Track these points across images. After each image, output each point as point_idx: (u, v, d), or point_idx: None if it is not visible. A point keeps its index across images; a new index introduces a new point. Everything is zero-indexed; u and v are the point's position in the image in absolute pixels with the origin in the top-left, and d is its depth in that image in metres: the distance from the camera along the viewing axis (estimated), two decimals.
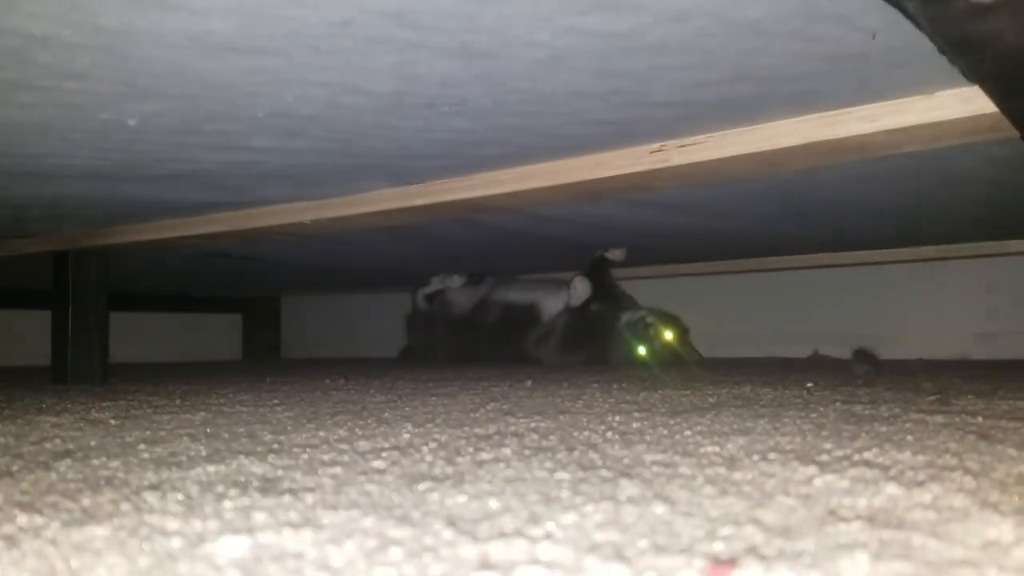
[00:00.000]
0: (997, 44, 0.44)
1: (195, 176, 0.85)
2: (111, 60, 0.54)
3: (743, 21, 0.53)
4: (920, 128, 0.70)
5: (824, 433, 0.49)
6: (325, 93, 0.61)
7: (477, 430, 0.55)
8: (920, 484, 0.34)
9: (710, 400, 0.73)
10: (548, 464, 0.41)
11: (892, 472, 0.37)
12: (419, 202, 0.94)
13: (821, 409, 0.63)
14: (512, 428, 0.56)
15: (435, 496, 0.35)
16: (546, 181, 0.86)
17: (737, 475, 0.38)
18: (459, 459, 0.43)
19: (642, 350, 1.48)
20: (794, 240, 1.43)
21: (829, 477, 0.36)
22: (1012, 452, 0.42)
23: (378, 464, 0.42)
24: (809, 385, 0.89)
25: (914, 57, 0.55)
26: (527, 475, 0.39)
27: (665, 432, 0.52)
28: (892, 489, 0.33)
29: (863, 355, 0.96)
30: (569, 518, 0.30)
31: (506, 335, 1.68)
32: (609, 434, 0.52)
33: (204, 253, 1.30)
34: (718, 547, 0.26)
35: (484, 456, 0.44)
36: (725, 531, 0.28)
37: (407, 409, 0.69)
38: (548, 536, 0.28)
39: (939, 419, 0.55)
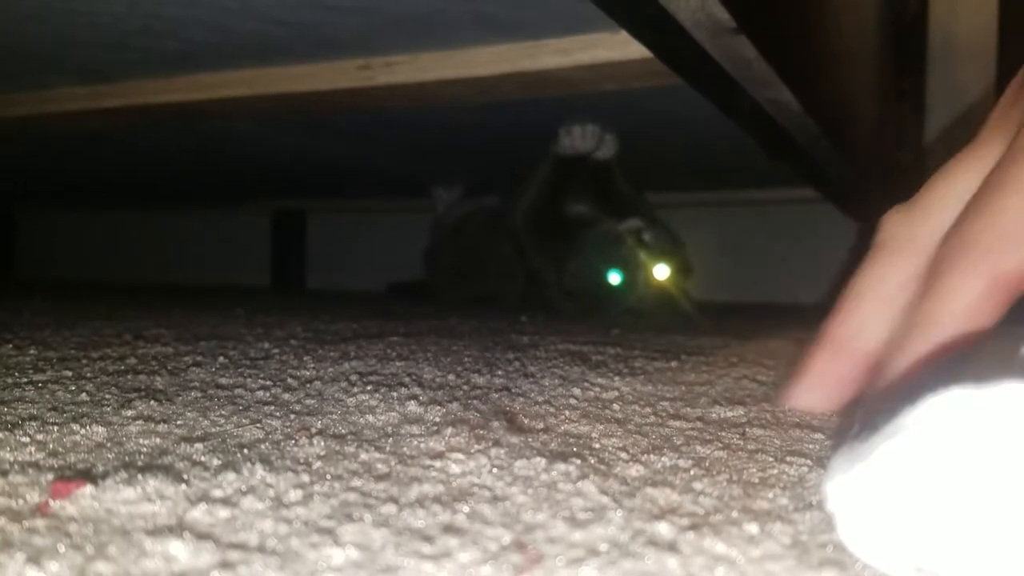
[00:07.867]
0: None
1: None
2: None
3: None
4: (611, 66, 0.71)
5: (444, 361, 0.49)
6: None
7: None
8: (426, 404, 0.34)
9: (403, 329, 0.71)
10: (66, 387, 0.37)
11: (429, 394, 0.36)
12: (114, 103, 0.84)
13: (491, 341, 0.63)
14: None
15: None
16: (251, 90, 0.79)
17: (287, 396, 0.36)
18: None
19: (614, 279, 0.97)
20: None
21: (364, 396, 0.35)
22: (590, 376, 0.44)
23: None
24: (523, 319, 0.91)
25: None
26: None
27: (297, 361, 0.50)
28: (412, 407, 0.33)
29: (571, 293, 0.99)
30: None
31: None
32: (221, 359, 0.48)
33: None
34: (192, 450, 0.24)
35: None
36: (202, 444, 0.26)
37: None
38: None
39: (569, 347, 0.57)
